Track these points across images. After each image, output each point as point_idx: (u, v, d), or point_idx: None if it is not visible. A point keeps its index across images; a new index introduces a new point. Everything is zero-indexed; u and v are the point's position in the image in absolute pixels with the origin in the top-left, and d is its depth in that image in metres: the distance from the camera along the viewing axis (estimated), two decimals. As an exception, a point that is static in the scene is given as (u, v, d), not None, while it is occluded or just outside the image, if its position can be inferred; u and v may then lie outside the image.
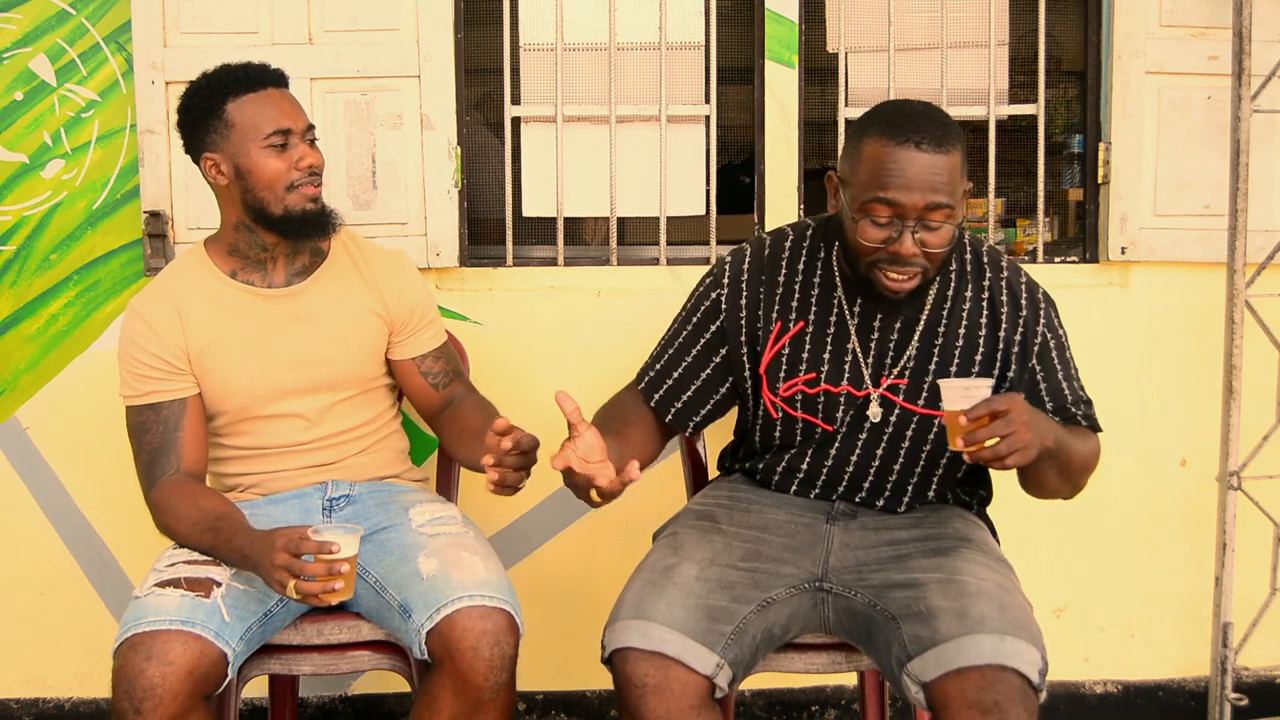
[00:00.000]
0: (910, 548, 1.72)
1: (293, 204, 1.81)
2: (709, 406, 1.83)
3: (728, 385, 1.82)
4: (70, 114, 2.37)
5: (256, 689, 2.31)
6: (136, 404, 1.84)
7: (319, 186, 1.85)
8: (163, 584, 1.67)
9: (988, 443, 1.49)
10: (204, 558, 1.73)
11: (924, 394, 1.73)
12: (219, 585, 1.68)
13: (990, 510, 1.92)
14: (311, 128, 1.86)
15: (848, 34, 2.47)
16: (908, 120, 1.58)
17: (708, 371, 1.81)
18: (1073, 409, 1.75)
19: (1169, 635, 2.53)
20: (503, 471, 1.61)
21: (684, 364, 1.82)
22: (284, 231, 1.84)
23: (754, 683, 2.33)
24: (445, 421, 1.96)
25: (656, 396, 1.83)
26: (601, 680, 1.66)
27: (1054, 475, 1.67)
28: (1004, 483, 2.03)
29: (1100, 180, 2.45)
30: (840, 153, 1.71)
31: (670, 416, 1.83)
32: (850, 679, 2.50)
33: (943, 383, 1.56)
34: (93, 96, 2.37)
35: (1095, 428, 1.77)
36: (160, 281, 1.90)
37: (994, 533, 1.87)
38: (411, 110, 2.35)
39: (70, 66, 2.36)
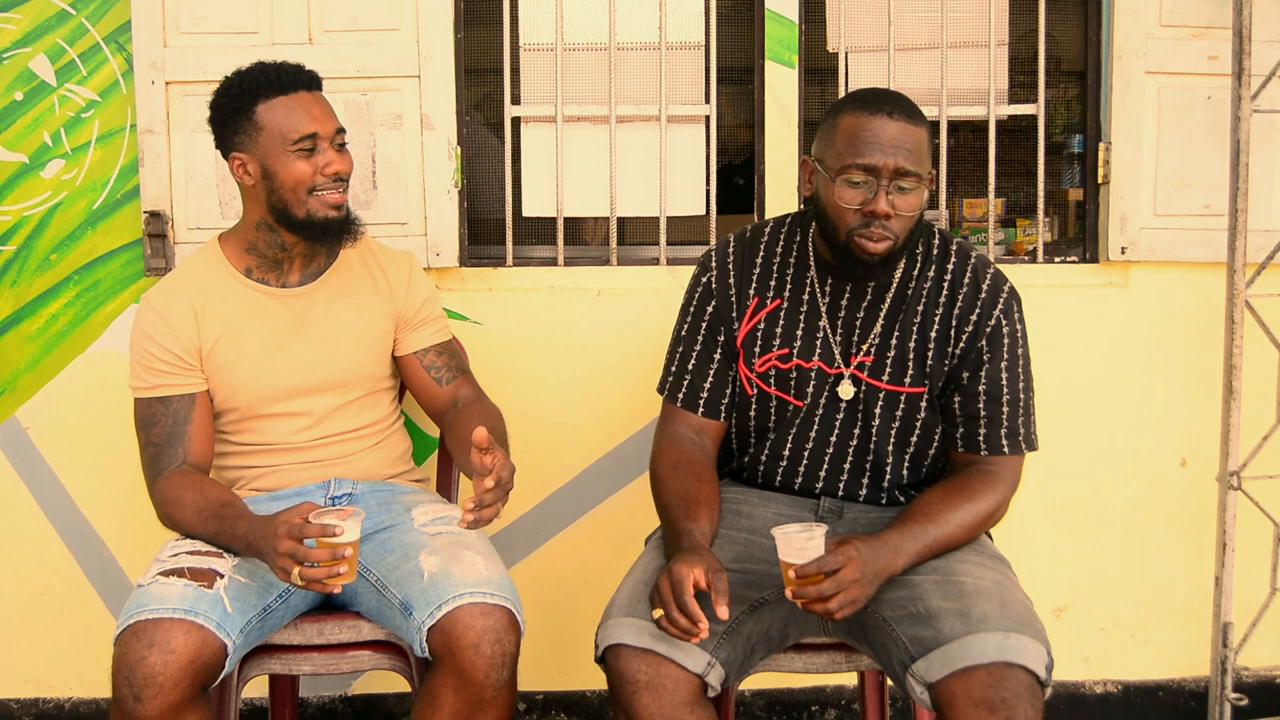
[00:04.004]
0: None
1: (314, 208, 1.82)
2: (730, 391, 1.86)
3: (735, 368, 1.85)
4: (70, 114, 2.37)
5: (256, 689, 2.31)
6: (146, 396, 1.84)
7: (344, 193, 1.86)
8: (166, 573, 1.67)
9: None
10: (207, 549, 1.73)
11: (888, 370, 1.78)
12: (221, 577, 1.68)
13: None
14: (341, 131, 1.86)
15: (848, 34, 2.47)
16: (881, 95, 1.70)
17: (718, 355, 1.85)
18: (984, 414, 1.74)
19: (1169, 635, 2.53)
20: (479, 514, 1.60)
21: (694, 355, 1.85)
22: (305, 234, 1.85)
23: (754, 683, 2.33)
24: (450, 425, 1.96)
25: (681, 395, 1.86)
26: (601, 680, 1.66)
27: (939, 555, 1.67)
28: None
29: (1100, 180, 2.45)
30: (815, 137, 1.78)
31: (702, 409, 1.85)
32: (850, 679, 2.50)
33: (776, 531, 1.57)
34: (93, 96, 2.37)
35: (1017, 449, 1.76)
36: (176, 277, 1.91)
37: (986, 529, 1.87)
38: (411, 110, 2.35)
39: (70, 66, 2.36)
